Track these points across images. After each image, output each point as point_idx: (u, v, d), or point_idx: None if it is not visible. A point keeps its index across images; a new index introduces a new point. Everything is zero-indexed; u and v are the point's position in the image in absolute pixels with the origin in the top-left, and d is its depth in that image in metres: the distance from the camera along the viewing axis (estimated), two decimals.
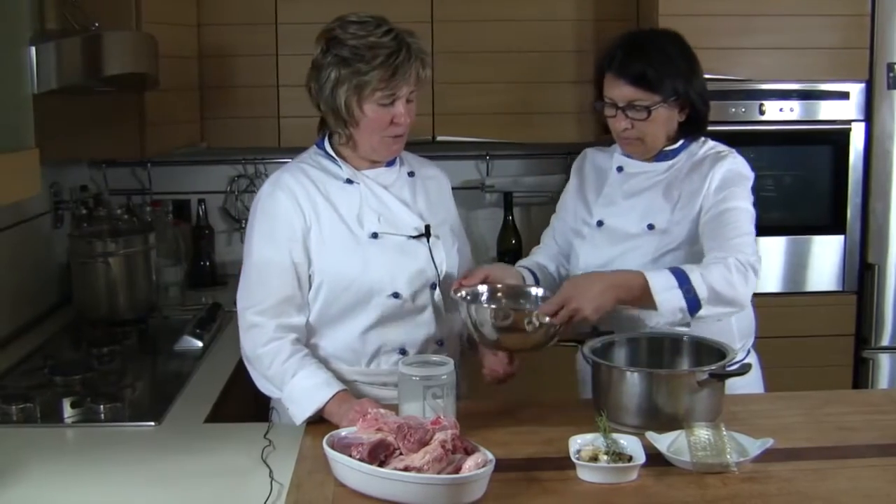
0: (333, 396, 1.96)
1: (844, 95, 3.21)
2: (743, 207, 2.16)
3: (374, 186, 2.12)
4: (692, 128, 2.25)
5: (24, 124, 1.89)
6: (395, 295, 2.07)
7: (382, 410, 1.79)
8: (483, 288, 2.14)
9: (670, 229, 2.21)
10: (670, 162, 2.27)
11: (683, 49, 2.23)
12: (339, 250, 2.07)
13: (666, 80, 2.16)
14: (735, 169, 2.21)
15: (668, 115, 2.20)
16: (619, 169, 2.32)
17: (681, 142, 2.27)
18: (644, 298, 1.99)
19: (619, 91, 2.18)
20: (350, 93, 2.01)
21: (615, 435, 1.78)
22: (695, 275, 1.99)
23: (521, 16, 3.39)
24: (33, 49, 2.01)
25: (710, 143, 2.30)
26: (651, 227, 2.22)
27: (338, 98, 2.02)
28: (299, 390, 1.99)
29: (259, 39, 3.36)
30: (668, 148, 2.27)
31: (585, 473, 1.71)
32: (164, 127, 3.08)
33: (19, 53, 1.94)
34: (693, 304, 1.97)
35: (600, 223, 2.29)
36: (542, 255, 2.43)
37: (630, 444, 1.77)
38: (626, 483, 1.69)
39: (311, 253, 2.07)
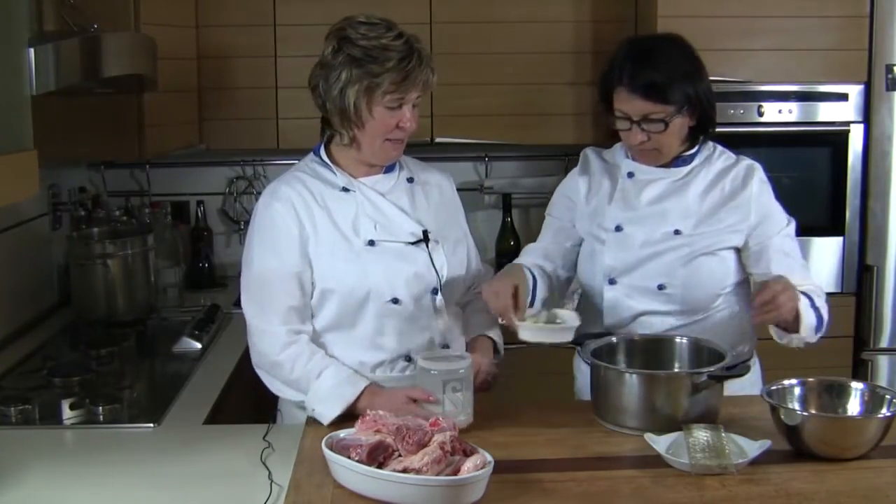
0: (364, 391, 1.98)
1: (843, 97, 3.22)
2: (792, 234, 2.24)
3: (370, 194, 2.11)
4: (701, 130, 2.23)
5: (22, 126, 1.90)
6: (395, 300, 2.06)
7: (382, 412, 1.79)
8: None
9: (699, 235, 2.19)
10: (688, 167, 2.24)
11: (688, 54, 2.19)
12: (335, 259, 2.05)
13: (677, 90, 2.12)
14: (766, 181, 2.25)
15: (682, 123, 2.17)
16: (630, 174, 2.26)
17: (696, 147, 2.25)
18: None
19: (632, 105, 2.13)
20: (360, 94, 1.99)
21: (555, 310, 2.05)
22: (819, 301, 2.10)
23: (520, 17, 3.39)
24: (32, 50, 2.01)
25: (719, 147, 2.29)
26: (678, 232, 2.20)
27: (347, 98, 2.00)
28: (326, 389, 1.98)
29: (258, 41, 3.36)
30: (684, 153, 2.24)
31: (526, 334, 1.98)
32: (163, 128, 3.08)
33: (18, 55, 1.95)
34: (819, 325, 2.10)
35: (619, 228, 2.23)
36: (535, 255, 2.34)
37: (567, 317, 2.04)
38: (561, 346, 2.01)
39: (312, 261, 2.06)
